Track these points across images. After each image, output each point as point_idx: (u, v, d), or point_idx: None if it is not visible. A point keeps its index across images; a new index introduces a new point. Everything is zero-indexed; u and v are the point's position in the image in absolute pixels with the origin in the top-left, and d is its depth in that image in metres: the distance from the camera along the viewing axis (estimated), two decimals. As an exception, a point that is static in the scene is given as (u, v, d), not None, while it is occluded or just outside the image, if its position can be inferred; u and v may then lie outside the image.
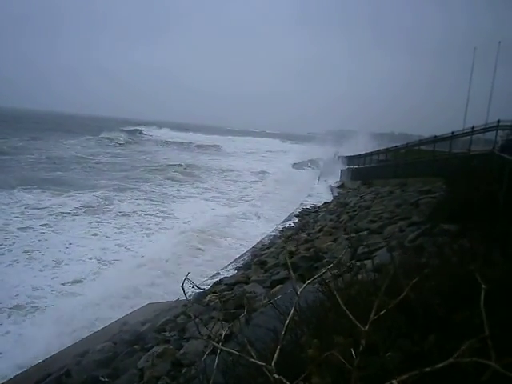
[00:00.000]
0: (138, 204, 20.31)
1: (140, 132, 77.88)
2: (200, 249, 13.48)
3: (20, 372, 6.64)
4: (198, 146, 66.04)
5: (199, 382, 1.92)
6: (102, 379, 5.29)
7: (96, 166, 34.34)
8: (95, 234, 14.84)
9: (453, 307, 1.49)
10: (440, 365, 1.01)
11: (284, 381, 1.21)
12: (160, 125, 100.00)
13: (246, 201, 24.02)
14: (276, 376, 1.28)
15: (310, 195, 25.86)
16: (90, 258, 12.34)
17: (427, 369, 1.02)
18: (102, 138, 58.42)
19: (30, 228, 14.86)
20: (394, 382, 0.99)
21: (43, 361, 6.96)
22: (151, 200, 21.52)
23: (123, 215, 17.84)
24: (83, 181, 26.00)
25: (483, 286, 1.10)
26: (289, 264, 2.12)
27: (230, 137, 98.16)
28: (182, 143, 69.01)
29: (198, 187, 27.79)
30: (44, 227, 15.11)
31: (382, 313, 1.19)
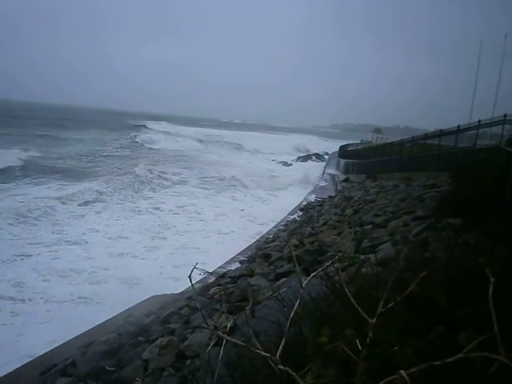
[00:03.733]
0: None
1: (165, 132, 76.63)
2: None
3: (25, 363, 6.72)
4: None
5: (204, 373, 1.94)
6: (109, 368, 5.35)
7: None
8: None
9: (458, 301, 1.49)
10: (450, 359, 1.01)
11: (290, 372, 1.22)
12: (170, 119, 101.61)
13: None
14: (281, 367, 1.29)
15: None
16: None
17: (437, 362, 1.02)
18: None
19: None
20: (402, 372, 1.00)
21: (48, 352, 7.04)
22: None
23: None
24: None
25: (491, 279, 1.10)
26: (294, 257, 2.13)
27: (249, 132, 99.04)
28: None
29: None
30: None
31: (390, 305, 1.20)
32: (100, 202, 20.01)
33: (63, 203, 18.52)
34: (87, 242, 13.93)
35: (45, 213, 16.68)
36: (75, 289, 10.36)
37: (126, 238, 14.71)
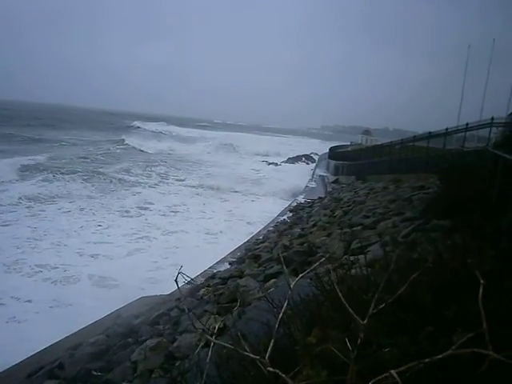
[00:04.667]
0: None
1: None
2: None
3: (11, 365, 6.62)
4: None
5: (193, 374, 1.93)
6: (95, 373, 5.29)
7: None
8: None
9: (445, 302, 1.51)
10: (439, 356, 1.02)
11: (278, 373, 1.22)
12: (162, 119, 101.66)
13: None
14: (270, 369, 1.29)
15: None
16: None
17: (426, 360, 1.03)
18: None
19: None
20: (392, 371, 1.00)
21: (35, 353, 6.94)
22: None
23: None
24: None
25: (482, 281, 1.11)
26: (282, 258, 2.13)
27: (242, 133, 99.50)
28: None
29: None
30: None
31: (382, 307, 1.20)
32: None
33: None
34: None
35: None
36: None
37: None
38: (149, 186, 26.13)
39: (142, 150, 46.93)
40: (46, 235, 14.53)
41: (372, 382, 1.10)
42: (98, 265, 12.21)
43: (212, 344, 1.65)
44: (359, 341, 1.18)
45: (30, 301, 9.60)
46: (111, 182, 25.54)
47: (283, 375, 1.19)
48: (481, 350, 1.00)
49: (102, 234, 15.37)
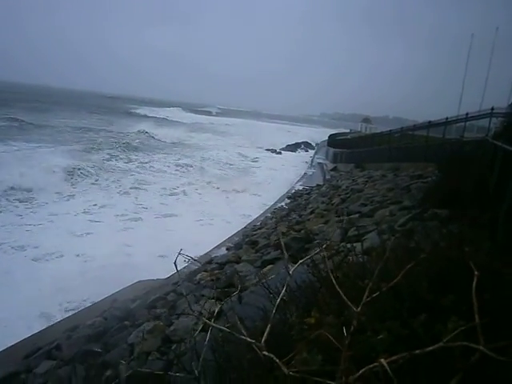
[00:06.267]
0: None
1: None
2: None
3: (8, 346, 6.68)
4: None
5: (190, 357, 1.95)
6: (96, 349, 5.38)
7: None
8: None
9: (440, 291, 1.52)
10: (430, 348, 1.03)
11: (273, 358, 1.24)
12: (169, 104, 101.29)
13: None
14: (265, 353, 1.31)
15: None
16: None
17: (417, 351, 1.04)
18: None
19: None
20: (382, 360, 1.01)
21: (33, 335, 7.00)
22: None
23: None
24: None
25: (476, 272, 1.11)
26: (282, 244, 2.14)
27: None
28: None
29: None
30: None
31: (376, 295, 1.21)
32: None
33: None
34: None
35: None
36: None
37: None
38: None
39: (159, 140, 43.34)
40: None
41: (362, 370, 1.12)
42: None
43: (210, 328, 1.67)
44: (352, 328, 1.20)
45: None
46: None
47: (277, 360, 1.21)
48: (471, 344, 1.01)
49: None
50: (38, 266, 10.65)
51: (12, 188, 17.46)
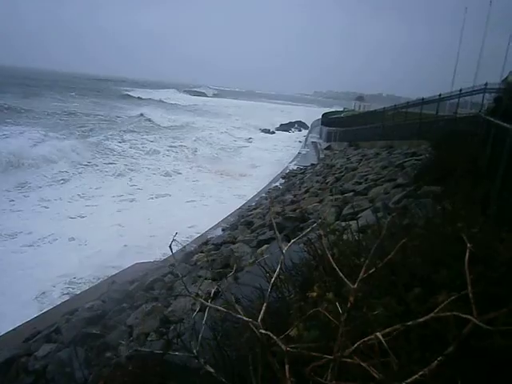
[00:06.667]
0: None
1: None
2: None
3: (8, 330, 6.73)
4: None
5: (188, 337, 1.98)
6: (95, 331, 5.44)
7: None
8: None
9: (434, 266, 1.54)
10: (422, 319, 1.05)
11: (270, 335, 1.25)
12: (162, 86, 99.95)
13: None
14: (262, 331, 1.32)
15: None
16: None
17: (410, 322, 1.06)
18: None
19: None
20: (377, 334, 1.03)
21: (32, 319, 7.06)
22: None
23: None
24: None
25: (468, 245, 1.13)
26: (274, 223, 2.14)
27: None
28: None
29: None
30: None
31: (372, 271, 1.22)
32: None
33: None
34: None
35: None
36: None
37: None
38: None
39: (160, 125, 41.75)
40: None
41: (358, 343, 1.14)
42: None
43: (207, 308, 1.69)
44: (349, 304, 1.21)
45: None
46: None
47: (274, 337, 1.22)
48: (463, 315, 1.03)
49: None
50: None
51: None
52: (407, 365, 1.11)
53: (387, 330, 1.07)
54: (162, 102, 71.98)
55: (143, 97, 76.51)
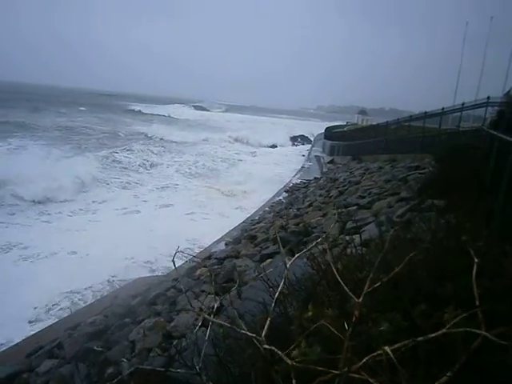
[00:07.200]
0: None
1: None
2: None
3: (11, 345, 6.69)
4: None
5: (191, 353, 1.96)
6: (97, 348, 5.38)
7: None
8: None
9: (440, 280, 1.53)
10: (433, 335, 1.03)
11: (275, 351, 1.24)
12: (164, 101, 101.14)
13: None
14: (266, 346, 1.31)
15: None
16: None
17: (420, 338, 1.04)
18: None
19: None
20: (386, 348, 1.02)
21: (34, 334, 7.02)
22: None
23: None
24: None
25: (476, 259, 1.12)
26: (278, 238, 2.13)
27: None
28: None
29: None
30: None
31: (377, 285, 1.21)
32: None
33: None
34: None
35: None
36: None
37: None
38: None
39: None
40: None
41: (366, 358, 1.13)
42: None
43: (210, 323, 1.67)
44: (354, 318, 1.20)
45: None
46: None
47: (279, 352, 1.21)
48: (473, 330, 1.02)
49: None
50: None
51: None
52: (416, 381, 1.09)
53: (396, 345, 1.06)
54: (167, 116, 72.69)
55: (149, 112, 77.32)
